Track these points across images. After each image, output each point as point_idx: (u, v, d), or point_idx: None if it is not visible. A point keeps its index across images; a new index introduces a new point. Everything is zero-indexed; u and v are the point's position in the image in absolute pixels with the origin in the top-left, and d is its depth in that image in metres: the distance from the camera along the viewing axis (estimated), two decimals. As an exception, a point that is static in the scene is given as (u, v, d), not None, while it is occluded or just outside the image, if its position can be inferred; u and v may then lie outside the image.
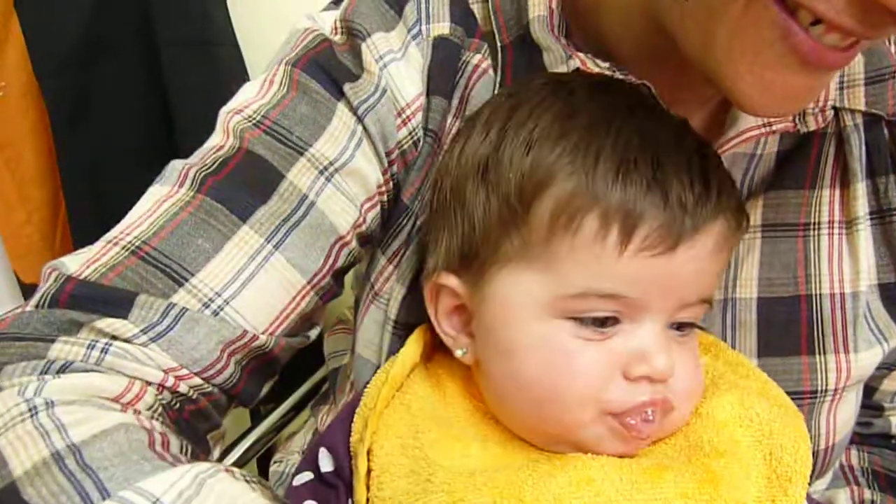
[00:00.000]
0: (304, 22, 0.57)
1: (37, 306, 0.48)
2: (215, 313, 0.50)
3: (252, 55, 1.19)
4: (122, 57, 1.25)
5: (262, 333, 0.52)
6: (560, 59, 0.52)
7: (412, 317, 0.55)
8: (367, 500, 0.44)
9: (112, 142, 1.28)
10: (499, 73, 0.55)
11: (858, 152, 0.56)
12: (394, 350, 0.52)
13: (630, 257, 0.41)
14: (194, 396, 0.50)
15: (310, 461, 0.49)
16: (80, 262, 0.50)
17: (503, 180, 0.43)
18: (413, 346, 0.49)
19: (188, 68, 1.21)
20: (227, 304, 0.50)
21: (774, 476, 0.44)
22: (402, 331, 0.56)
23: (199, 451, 0.50)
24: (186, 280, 0.49)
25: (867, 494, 0.66)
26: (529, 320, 0.43)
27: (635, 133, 0.43)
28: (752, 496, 0.43)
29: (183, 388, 0.49)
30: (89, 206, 1.27)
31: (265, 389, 0.56)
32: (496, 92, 0.54)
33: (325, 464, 0.49)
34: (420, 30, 0.54)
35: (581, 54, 0.52)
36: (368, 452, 0.46)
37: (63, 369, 0.46)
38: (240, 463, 0.83)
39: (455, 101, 0.54)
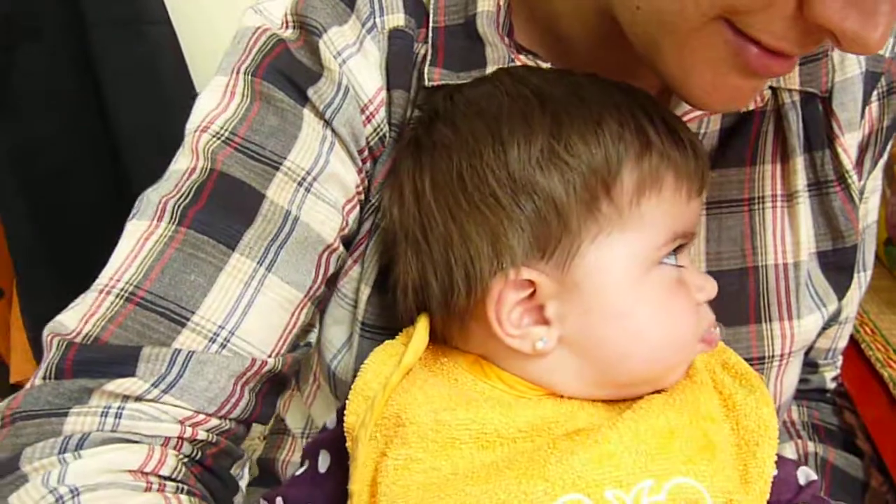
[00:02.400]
0: (251, 19, 0.55)
1: (45, 378, 0.48)
2: (223, 346, 0.50)
3: (187, 35, 1.16)
4: (46, 38, 1.20)
5: (270, 356, 0.52)
6: (503, 58, 0.53)
7: (382, 319, 0.55)
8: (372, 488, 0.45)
9: (40, 127, 1.24)
10: (429, 52, 0.54)
11: (796, 128, 0.58)
12: (365, 352, 0.52)
13: (692, 200, 0.49)
14: (214, 440, 0.51)
15: (310, 455, 0.51)
16: (77, 318, 0.49)
17: (581, 157, 0.45)
18: (422, 333, 0.49)
19: (118, 49, 1.17)
20: (233, 335, 0.50)
21: (743, 443, 0.47)
22: (371, 333, 0.56)
23: (228, 493, 0.50)
24: (187, 319, 0.49)
25: (810, 447, 0.70)
26: (635, 277, 0.46)
27: (649, 104, 0.49)
28: (731, 463, 0.46)
29: (202, 434, 0.50)
30: (22, 196, 1.23)
31: (279, 404, 0.56)
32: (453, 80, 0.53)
33: (323, 464, 0.50)
34: (375, 23, 0.54)
35: (522, 56, 0.54)
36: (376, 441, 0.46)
37: (81, 444, 0.45)
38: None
39: (412, 93, 0.54)
